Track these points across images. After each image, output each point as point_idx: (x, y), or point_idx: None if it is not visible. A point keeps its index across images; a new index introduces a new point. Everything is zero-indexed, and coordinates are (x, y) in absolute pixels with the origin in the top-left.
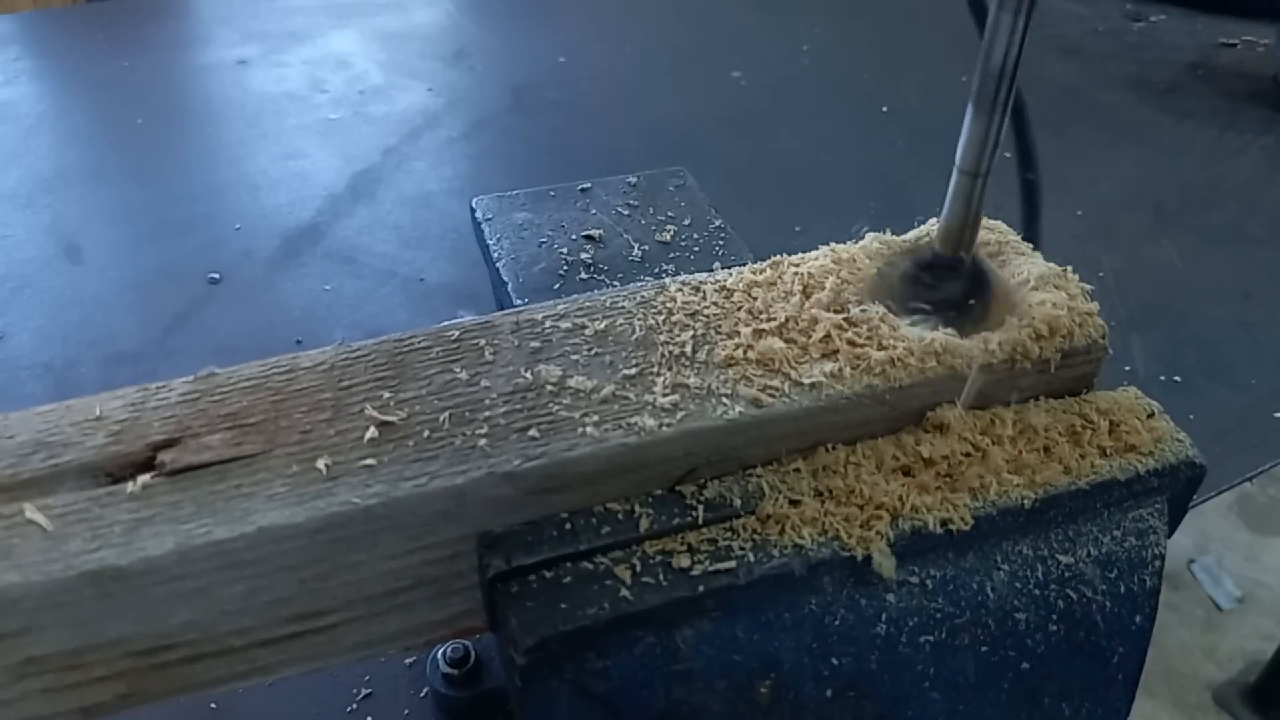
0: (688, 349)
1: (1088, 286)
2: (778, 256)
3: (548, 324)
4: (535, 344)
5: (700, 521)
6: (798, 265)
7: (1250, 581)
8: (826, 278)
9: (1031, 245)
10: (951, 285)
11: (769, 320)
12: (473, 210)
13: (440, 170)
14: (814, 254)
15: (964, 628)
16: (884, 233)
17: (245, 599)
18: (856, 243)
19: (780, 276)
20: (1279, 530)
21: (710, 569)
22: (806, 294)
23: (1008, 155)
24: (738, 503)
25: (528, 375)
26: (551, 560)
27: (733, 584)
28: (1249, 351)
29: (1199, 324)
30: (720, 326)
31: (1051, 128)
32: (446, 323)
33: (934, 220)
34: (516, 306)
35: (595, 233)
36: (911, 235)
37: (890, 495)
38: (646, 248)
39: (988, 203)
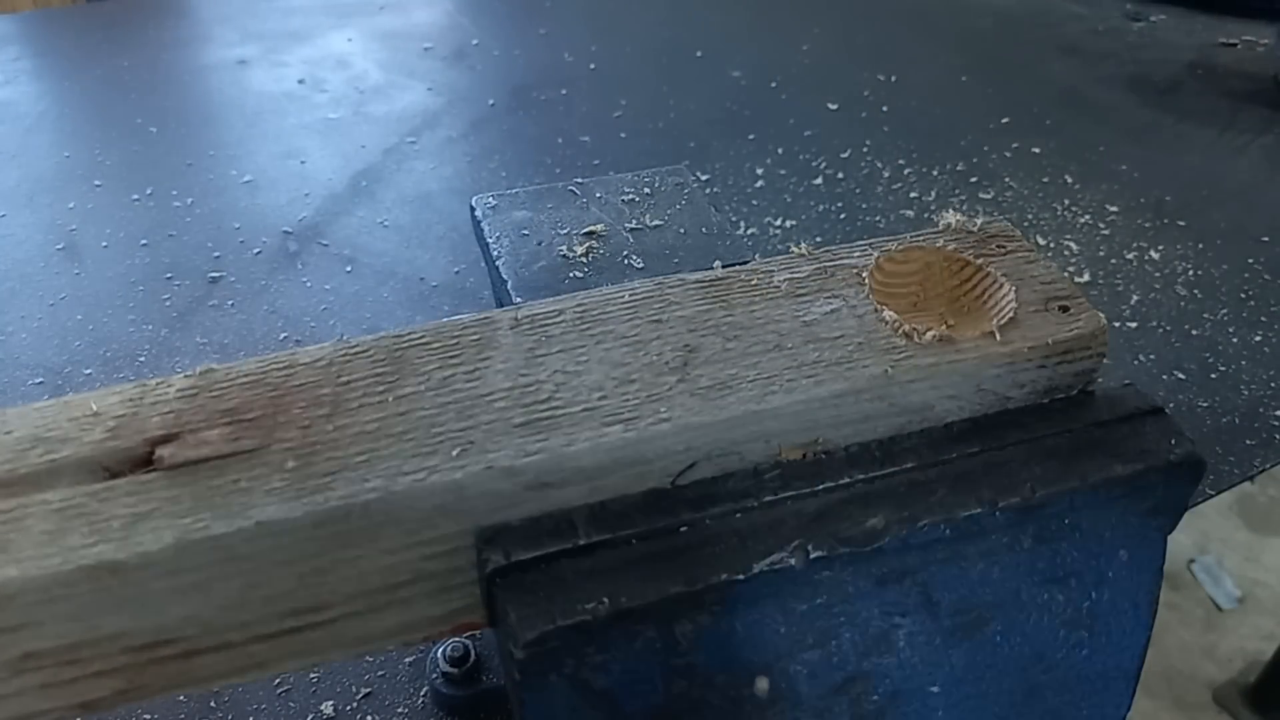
0: (686, 345)
1: (1087, 280)
2: (773, 257)
3: (547, 320)
4: (534, 340)
5: (700, 517)
6: (791, 265)
7: (1250, 581)
8: (823, 278)
9: (1031, 244)
10: None
11: (766, 316)
12: (472, 209)
13: (440, 170)
14: (808, 258)
15: (963, 622)
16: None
17: (243, 593)
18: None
19: (774, 276)
20: (1279, 530)
21: (710, 563)
22: (802, 294)
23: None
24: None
25: (527, 371)
26: (550, 555)
27: (732, 578)
28: (1249, 351)
29: (1199, 323)
30: (719, 323)
31: (1052, 128)
32: (446, 319)
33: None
34: (516, 304)
35: (595, 229)
36: (906, 238)
37: (891, 488)
38: (646, 246)
39: (991, 204)
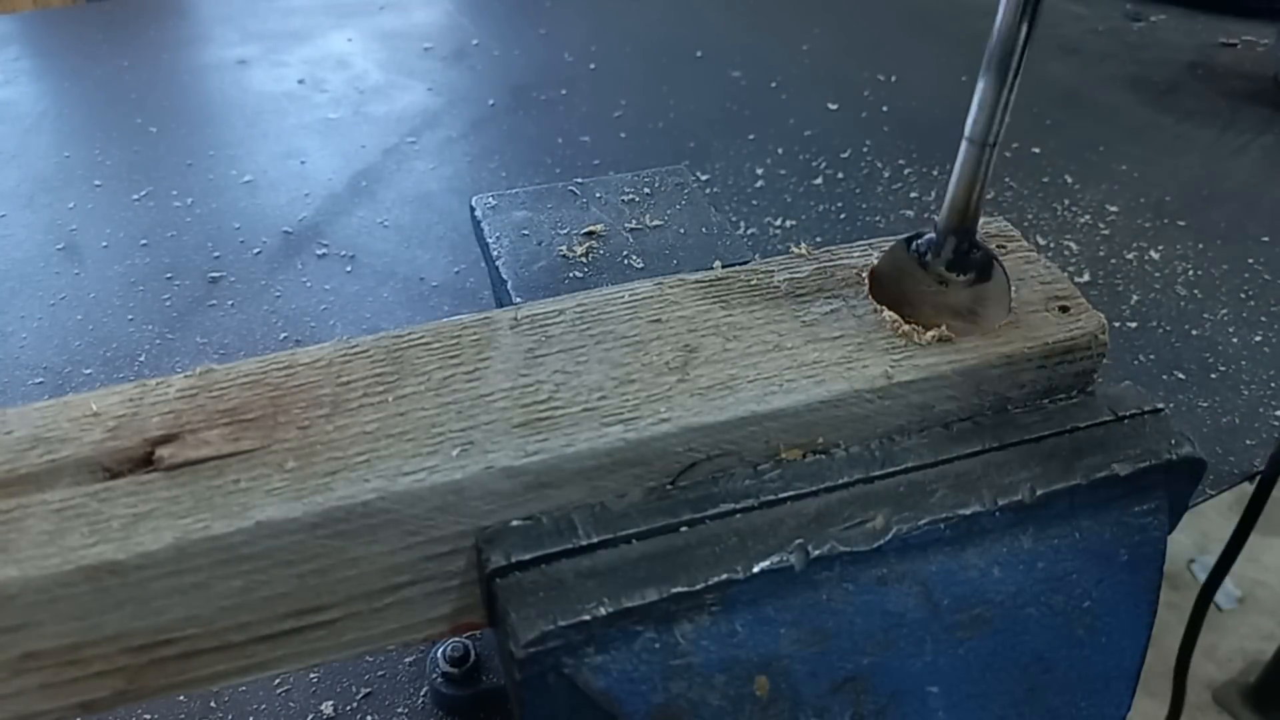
0: (686, 345)
1: (1087, 280)
2: (773, 257)
3: (547, 320)
4: (534, 340)
5: (700, 517)
6: (791, 265)
7: (1250, 581)
8: (823, 278)
9: (1031, 244)
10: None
11: (766, 316)
12: (472, 209)
13: (440, 170)
14: (808, 258)
15: (963, 622)
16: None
17: (243, 594)
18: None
19: (774, 276)
20: (1279, 530)
21: (710, 563)
22: (802, 293)
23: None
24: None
25: (526, 371)
26: (550, 555)
27: (732, 578)
28: (1249, 351)
29: (1199, 323)
30: (718, 323)
31: (1052, 128)
32: (446, 319)
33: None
34: (516, 304)
35: (595, 229)
36: (904, 237)
37: (891, 488)
38: (646, 246)
39: (991, 204)
